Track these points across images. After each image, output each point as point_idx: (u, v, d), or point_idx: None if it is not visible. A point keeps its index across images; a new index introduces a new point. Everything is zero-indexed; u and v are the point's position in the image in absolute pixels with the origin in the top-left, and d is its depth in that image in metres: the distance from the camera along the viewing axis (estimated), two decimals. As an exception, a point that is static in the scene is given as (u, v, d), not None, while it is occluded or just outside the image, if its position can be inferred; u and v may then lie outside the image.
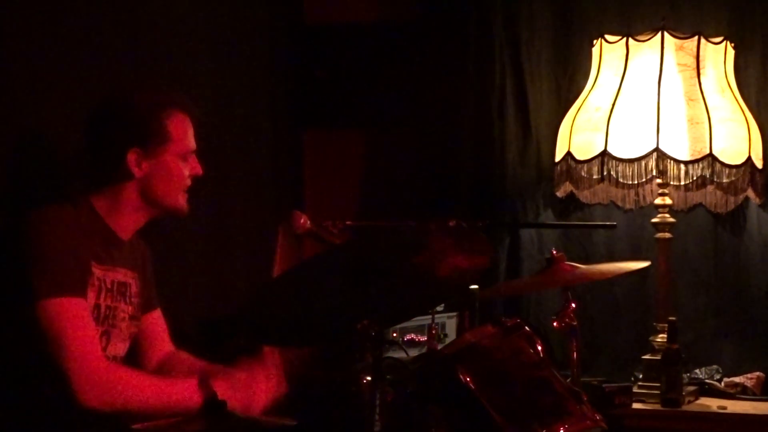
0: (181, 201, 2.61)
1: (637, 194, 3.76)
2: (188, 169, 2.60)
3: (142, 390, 2.40)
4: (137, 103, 2.55)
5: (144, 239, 2.75)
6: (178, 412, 2.36)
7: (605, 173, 3.58)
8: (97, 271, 2.48)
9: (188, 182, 2.62)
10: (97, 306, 2.48)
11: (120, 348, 2.58)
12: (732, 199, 3.72)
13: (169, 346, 2.81)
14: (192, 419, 2.06)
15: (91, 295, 2.45)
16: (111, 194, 2.54)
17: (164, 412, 2.39)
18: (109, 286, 2.52)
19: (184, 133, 2.58)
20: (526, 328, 2.42)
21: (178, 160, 2.57)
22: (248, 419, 2.32)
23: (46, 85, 2.74)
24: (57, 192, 2.66)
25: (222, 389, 2.38)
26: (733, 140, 3.58)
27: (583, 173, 3.64)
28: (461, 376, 2.26)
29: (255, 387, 2.51)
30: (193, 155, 2.62)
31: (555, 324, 2.90)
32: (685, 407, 3.49)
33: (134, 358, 2.67)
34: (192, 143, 2.61)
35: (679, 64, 3.61)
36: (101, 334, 2.49)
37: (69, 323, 2.32)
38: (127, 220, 2.58)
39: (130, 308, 2.61)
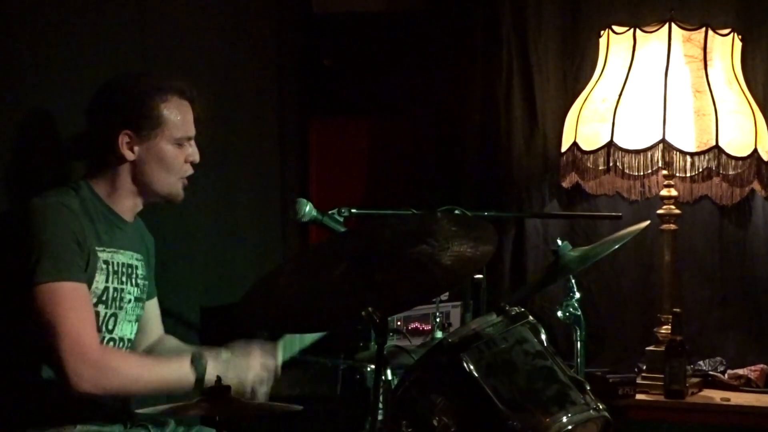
0: (175, 187, 2.61)
1: (642, 185, 3.76)
2: (184, 156, 2.60)
3: (136, 371, 2.41)
4: (131, 86, 2.55)
5: (149, 226, 2.76)
6: (173, 390, 2.40)
7: (611, 164, 3.58)
8: (103, 254, 2.49)
9: (186, 169, 2.61)
10: (106, 289, 2.49)
11: (127, 330, 2.59)
12: (738, 191, 3.71)
13: (159, 331, 2.83)
14: (195, 404, 2.06)
15: (100, 279, 2.47)
16: (108, 177, 2.55)
17: (161, 391, 2.44)
18: (116, 269, 2.53)
19: (180, 119, 2.57)
20: (531, 317, 2.42)
21: (173, 146, 2.57)
22: (252, 404, 2.33)
23: (52, 73, 2.74)
24: (59, 177, 2.67)
25: (214, 367, 2.40)
26: (740, 132, 3.57)
27: (589, 164, 3.64)
28: (465, 365, 2.26)
29: (247, 366, 2.51)
30: (191, 142, 2.62)
31: (559, 314, 2.90)
32: (689, 399, 3.50)
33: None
34: (189, 130, 2.60)
35: (686, 56, 3.60)
36: (109, 316, 2.51)
37: (64, 307, 2.32)
38: (127, 202, 2.58)
39: (136, 290, 2.62)
